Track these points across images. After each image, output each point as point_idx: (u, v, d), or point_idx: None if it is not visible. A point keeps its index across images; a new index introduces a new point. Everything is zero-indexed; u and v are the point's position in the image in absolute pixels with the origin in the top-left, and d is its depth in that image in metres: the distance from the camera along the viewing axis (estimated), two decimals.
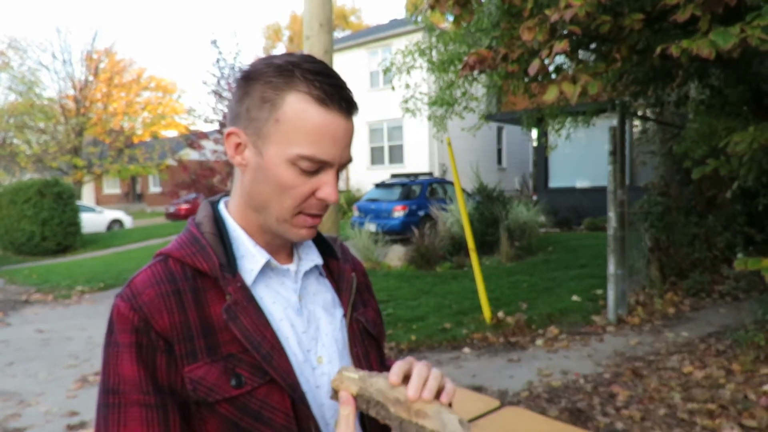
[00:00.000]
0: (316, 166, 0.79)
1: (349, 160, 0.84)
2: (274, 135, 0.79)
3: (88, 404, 3.85)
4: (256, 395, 0.77)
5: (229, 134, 0.83)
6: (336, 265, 0.97)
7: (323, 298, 0.92)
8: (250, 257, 0.84)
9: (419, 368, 0.72)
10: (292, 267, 0.89)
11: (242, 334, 0.77)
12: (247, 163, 0.82)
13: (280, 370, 0.78)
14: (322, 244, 0.98)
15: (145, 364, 0.74)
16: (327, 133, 0.78)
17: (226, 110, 6.30)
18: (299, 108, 0.77)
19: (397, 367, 0.72)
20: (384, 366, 1.00)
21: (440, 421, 0.67)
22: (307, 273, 0.91)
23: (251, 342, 0.77)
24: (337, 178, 0.83)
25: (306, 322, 0.86)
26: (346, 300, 0.94)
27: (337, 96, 0.79)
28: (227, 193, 0.94)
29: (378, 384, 0.71)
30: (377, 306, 1.06)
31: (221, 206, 0.91)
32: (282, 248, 0.89)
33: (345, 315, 0.92)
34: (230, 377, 0.76)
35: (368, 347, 0.94)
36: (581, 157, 12.34)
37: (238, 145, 0.82)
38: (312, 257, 0.93)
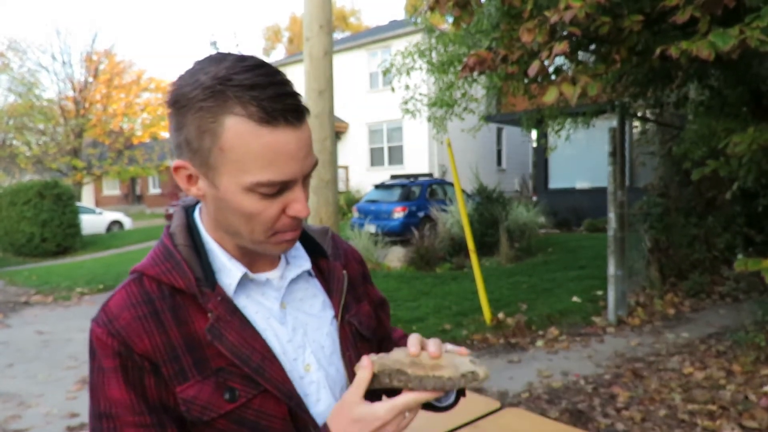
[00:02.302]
0: (278, 188, 0.73)
1: (315, 164, 0.77)
2: (223, 165, 0.71)
3: (87, 405, 3.84)
4: (252, 406, 0.76)
5: (176, 168, 0.76)
6: (326, 265, 0.92)
7: (310, 303, 0.88)
8: (226, 271, 0.80)
9: (432, 339, 0.81)
10: (272, 275, 0.85)
11: (229, 351, 0.75)
12: (204, 193, 0.76)
13: (274, 380, 0.77)
14: (309, 241, 0.93)
15: (134, 385, 0.73)
16: (279, 152, 0.71)
17: None
18: (241, 132, 0.69)
19: (414, 339, 0.79)
20: (392, 343, 0.99)
21: (453, 367, 0.76)
22: (294, 278, 0.87)
23: (240, 357, 0.75)
24: (306, 186, 0.77)
25: (291, 330, 0.83)
26: (336, 302, 0.90)
27: (280, 108, 0.70)
28: None
29: (394, 356, 0.78)
30: (376, 292, 1.02)
31: (196, 214, 0.86)
32: (262, 257, 0.84)
33: (336, 318, 0.89)
34: (223, 391, 0.74)
35: (361, 350, 0.90)
36: (581, 158, 12.35)
37: (190, 177, 0.76)
38: (299, 262, 0.88)
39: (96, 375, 0.75)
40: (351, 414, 0.74)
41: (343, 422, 0.75)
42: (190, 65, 0.75)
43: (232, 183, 0.72)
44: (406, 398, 0.74)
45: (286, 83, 0.72)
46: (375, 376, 0.76)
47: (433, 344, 0.79)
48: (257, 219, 0.75)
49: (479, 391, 3.82)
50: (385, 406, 0.74)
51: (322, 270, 0.92)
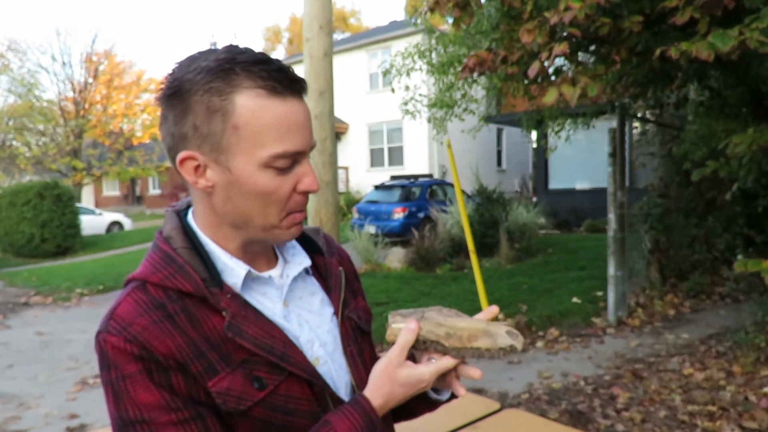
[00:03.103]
0: (291, 161, 0.75)
1: (315, 143, 0.79)
2: (237, 144, 0.72)
3: (87, 407, 3.84)
4: (279, 392, 0.77)
5: (182, 160, 0.74)
6: (322, 262, 0.93)
7: (309, 301, 0.88)
8: (229, 271, 0.79)
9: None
10: (274, 272, 0.85)
11: (252, 344, 0.75)
12: (214, 183, 0.75)
13: (299, 364, 0.78)
14: (304, 240, 0.93)
15: (163, 386, 0.71)
16: (291, 122, 0.74)
17: None
18: (254, 106, 0.71)
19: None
20: (375, 358, 0.98)
21: (490, 338, 0.78)
22: (294, 276, 0.87)
23: (264, 348, 0.76)
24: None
25: (297, 326, 0.83)
26: (336, 299, 0.90)
27: (287, 79, 0.73)
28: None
29: (428, 326, 0.79)
30: (362, 289, 1.04)
31: (189, 217, 0.84)
32: (261, 255, 0.85)
33: (336, 314, 0.89)
34: (252, 381, 0.75)
35: (362, 344, 0.92)
36: (581, 158, 12.35)
37: (197, 167, 0.75)
38: (298, 259, 0.89)
39: (118, 384, 0.71)
40: (397, 376, 0.78)
41: (389, 384, 0.78)
42: (175, 64, 0.75)
43: (248, 161, 0.73)
44: (447, 363, 0.79)
45: (282, 61, 0.74)
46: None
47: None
48: (272, 198, 0.75)
49: (479, 392, 3.82)
50: (430, 369, 0.78)
51: (318, 267, 0.93)
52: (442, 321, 0.80)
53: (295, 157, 0.75)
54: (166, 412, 0.71)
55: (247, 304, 0.78)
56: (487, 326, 0.79)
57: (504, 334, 0.78)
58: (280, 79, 0.72)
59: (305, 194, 0.79)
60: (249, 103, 0.71)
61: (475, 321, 0.81)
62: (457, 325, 0.79)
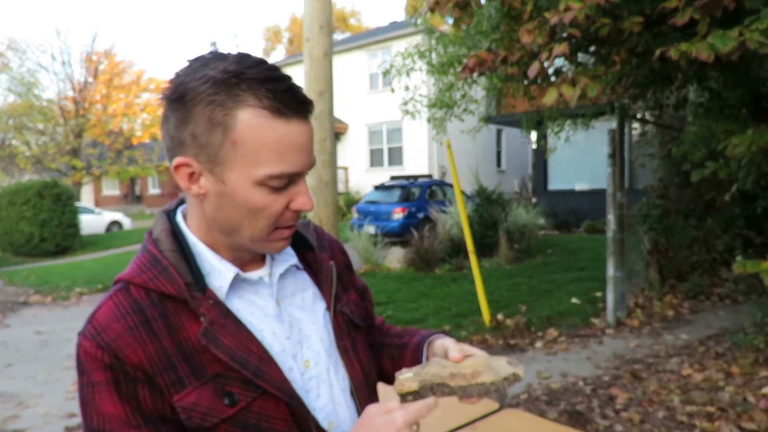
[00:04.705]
0: (287, 181, 0.74)
1: (314, 162, 0.79)
2: (234, 159, 0.71)
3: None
4: (252, 409, 0.75)
5: (178, 166, 0.74)
6: (313, 257, 0.92)
7: (302, 297, 0.88)
8: (217, 273, 0.79)
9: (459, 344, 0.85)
10: (263, 272, 0.84)
11: (226, 354, 0.74)
12: (206, 191, 0.75)
13: (273, 381, 0.76)
14: (295, 235, 0.91)
15: (128, 398, 0.71)
16: (291, 145, 0.72)
17: None
18: (256, 125, 0.70)
19: (453, 345, 0.84)
20: (369, 352, 0.97)
21: (493, 372, 0.79)
22: (282, 273, 0.86)
23: (237, 361, 0.74)
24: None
25: (288, 326, 0.83)
26: (327, 294, 0.90)
27: (293, 101, 0.72)
28: (183, 201, 0.87)
29: (432, 370, 0.79)
30: (359, 281, 1.02)
31: (179, 218, 0.84)
32: (252, 257, 0.84)
33: (328, 309, 0.89)
34: (222, 397, 0.73)
35: (355, 338, 0.91)
36: (580, 159, 12.36)
37: (192, 174, 0.74)
38: (284, 257, 0.88)
39: (86, 390, 0.72)
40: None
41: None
42: (185, 63, 0.74)
43: (243, 177, 0.72)
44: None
45: (291, 79, 0.73)
46: (417, 392, 0.77)
47: (456, 349, 0.83)
48: (263, 214, 0.75)
49: None
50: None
51: (309, 263, 0.92)
52: (445, 363, 0.81)
53: (291, 178, 0.75)
54: (126, 426, 0.70)
55: (228, 313, 0.77)
56: (487, 360, 0.80)
57: (505, 365, 0.80)
58: (286, 101, 0.71)
59: (297, 211, 0.78)
60: (251, 121, 0.70)
61: (475, 358, 0.82)
62: (459, 364, 0.80)
